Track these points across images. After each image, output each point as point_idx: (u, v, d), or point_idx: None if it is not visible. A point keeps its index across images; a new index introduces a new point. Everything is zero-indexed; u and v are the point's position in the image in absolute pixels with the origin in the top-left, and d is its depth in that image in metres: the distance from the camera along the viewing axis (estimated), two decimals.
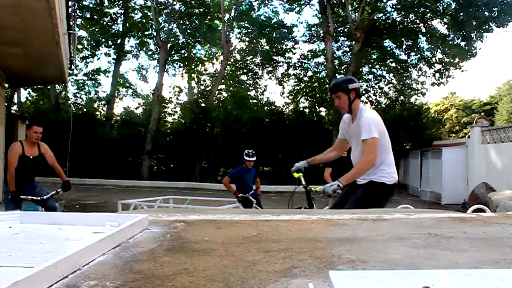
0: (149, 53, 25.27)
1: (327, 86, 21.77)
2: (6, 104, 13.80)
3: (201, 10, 23.02)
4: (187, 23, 23.38)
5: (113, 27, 24.02)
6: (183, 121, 23.23)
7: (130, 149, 21.75)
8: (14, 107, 23.63)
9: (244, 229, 1.96)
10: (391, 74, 23.09)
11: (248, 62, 24.99)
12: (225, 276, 1.21)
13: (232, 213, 2.63)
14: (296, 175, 3.79)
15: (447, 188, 14.83)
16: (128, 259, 1.39)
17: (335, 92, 3.23)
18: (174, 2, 23.10)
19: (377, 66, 23.49)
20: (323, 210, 3.34)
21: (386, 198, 3.30)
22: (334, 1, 22.31)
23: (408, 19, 21.57)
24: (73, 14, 8.88)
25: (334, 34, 22.20)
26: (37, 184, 5.04)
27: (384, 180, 3.20)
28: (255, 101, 24.82)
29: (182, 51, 24.42)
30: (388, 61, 22.60)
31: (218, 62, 25.18)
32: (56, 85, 21.89)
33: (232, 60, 24.45)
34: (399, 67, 22.59)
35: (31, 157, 4.87)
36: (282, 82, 25.00)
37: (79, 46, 21.75)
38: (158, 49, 23.59)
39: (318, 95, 23.08)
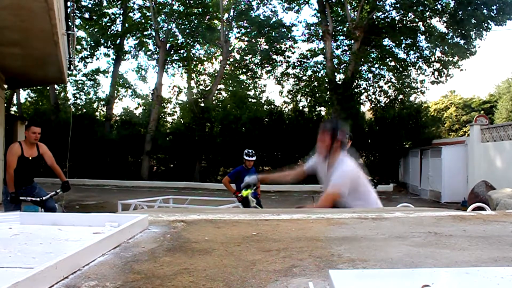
0: (148, 53, 25.34)
1: (326, 85, 21.80)
2: (5, 105, 13.80)
3: (200, 9, 23.02)
4: (186, 23, 23.38)
5: (112, 27, 24.04)
6: (182, 121, 23.25)
7: (130, 149, 21.75)
8: (14, 108, 23.65)
9: (244, 228, 1.96)
10: (391, 73, 23.12)
11: (247, 61, 24.99)
12: (225, 276, 1.21)
13: (232, 212, 2.63)
14: (244, 193, 3.58)
15: (446, 186, 14.85)
16: (128, 259, 1.39)
17: (321, 130, 3.07)
18: (173, 2, 23.10)
19: (376, 65, 23.53)
20: (320, 209, 3.32)
21: None
22: (333, 0, 22.32)
23: (407, 17, 21.59)
24: (72, 14, 8.88)
25: (333, 33, 22.21)
26: (37, 185, 5.04)
27: None
28: (254, 100, 24.84)
29: (181, 51, 24.42)
30: (387, 60, 22.63)
31: (217, 62, 25.21)
32: (56, 86, 21.89)
33: (231, 59, 24.45)
34: (398, 66, 22.61)
35: (30, 158, 4.86)
36: (281, 81, 25.03)
37: (78, 47, 21.77)
38: (157, 49, 23.60)
39: (317, 94, 23.09)
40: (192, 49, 24.61)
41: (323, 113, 23.14)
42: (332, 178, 2.93)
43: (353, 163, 3.04)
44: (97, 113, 24.99)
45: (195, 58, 25.13)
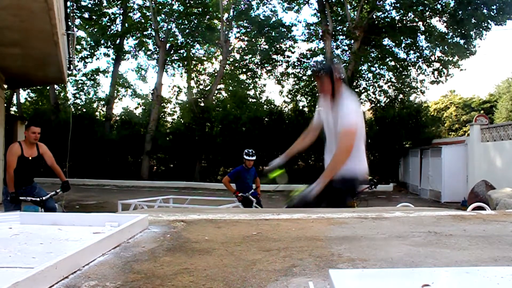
0: (148, 53, 25.31)
1: None
2: (5, 105, 13.80)
3: (200, 9, 23.02)
4: (186, 22, 23.37)
5: (112, 27, 24.02)
6: (182, 121, 23.23)
7: (130, 149, 21.74)
8: (14, 108, 23.64)
9: (244, 228, 1.96)
10: (391, 73, 23.11)
11: (247, 61, 24.99)
12: (225, 276, 1.21)
13: (232, 212, 2.63)
14: (274, 174, 3.34)
15: (446, 186, 14.84)
16: (128, 259, 1.39)
17: (317, 74, 3.08)
18: (173, 2, 23.10)
19: (376, 65, 23.51)
20: (319, 209, 3.30)
21: (356, 189, 3.18)
22: (333, 0, 22.31)
23: (407, 17, 21.59)
24: (71, 14, 8.88)
25: (333, 33, 22.21)
26: (37, 185, 5.04)
27: (357, 173, 3.01)
28: (254, 100, 24.84)
29: (181, 51, 24.41)
30: (387, 59, 22.62)
31: (217, 62, 25.20)
32: (55, 86, 21.89)
33: (231, 59, 24.44)
34: (398, 66, 22.59)
35: (30, 158, 4.86)
36: (281, 81, 25.03)
37: (78, 47, 21.75)
38: (157, 49, 23.59)
39: (317, 94, 23.02)
40: (192, 49, 24.61)
41: None
42: (342, 114, 2.90)
43: (357, 103, 3.05)
44: (97, 113, 24.99)
45: (195, 58, 25.13)
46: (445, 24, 20.85)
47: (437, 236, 1.76)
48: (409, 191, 18.38)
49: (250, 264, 1.33)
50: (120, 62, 24.34)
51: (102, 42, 23.55)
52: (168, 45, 23.43)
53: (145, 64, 34.63)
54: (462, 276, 1.00)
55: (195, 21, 23.09)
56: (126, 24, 23.66)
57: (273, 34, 23.32)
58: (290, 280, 1.17)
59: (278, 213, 2.42)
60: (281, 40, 23.81)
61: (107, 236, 1.51)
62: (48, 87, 22.17)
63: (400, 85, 22.81)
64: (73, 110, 22.89)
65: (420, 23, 21.44)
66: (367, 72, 23.66)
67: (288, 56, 24.47)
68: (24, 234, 1.78)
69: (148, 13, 23.23)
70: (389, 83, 23.35)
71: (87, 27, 23.33)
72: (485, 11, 19.28)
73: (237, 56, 25.04)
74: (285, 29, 23.56)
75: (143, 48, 24.98)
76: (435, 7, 19.94)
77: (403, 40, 21.89)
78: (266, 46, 24.05)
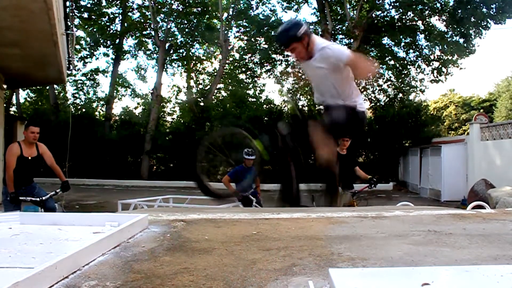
0: (148, 52, 25.25)
1: None
2: (5, 105, 13.78)
3: (199, 9, 23.01)
4: (186, 22, 23.36)
5: (111, 27, 23.99)
6: (182, 121, 23.22)
7: (130, 149, 21.72)
8: (13, 108, 23.62)
9: (244, 227, 1.96)
10: (390, 72, 23.10)
11: (247, 60, 24.98)
12: (225, 275, 1.21)
13: (232, 212, 2.63)
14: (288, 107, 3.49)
15: (446, 185, 14.84)
16: (128, 258, 1.39)
17: (288, 46, 2.94)
18: (172, 2, 23.08)
19: (376, 64, 23.48)
20: (319, 208, 3.31)
21: (358, 121, 3.19)
22: None
23: (407, 16, 21.58)
24: (71, 14, 8.87)
25: (333, 32, 22.19)
26: (36, 185, 5.03)
27: (357, 107, 3.06)
28: (254, 99, 24.82)
29: (181, 50, 24.39)
30: (387, 58, 22.60)
31: (216, 61, 25.19)
32: (55, 86, 21.87)
33: (230, 59, 24.44)
34: (397, 65, 22.59)
35: (30, 158, 4.85)
36: (281, 80, 25.02)
37: (77, 47, 21.72)
38: (157, 49, 23.57)
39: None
40: (191, 48, 24.60)
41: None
42: (334, 54, 2.86)
43: (334, 43, 3.13)
44: (97, 113, 24.97)
45: (194, 58, 25.11)
46: (444, 23, 20.85)
47: (437, 235, 1.76)
48: (409, 190, 18.38)
49: (250, 264, 1.33)
50: (119, 62, 24.31)
51: (101, 42, 23.52)
52: (167, 44, 23.40)
53: (145, 64, 34.60)
54: (462, 275, 1.01)
55: (195, 21, 23.07)
56: (126, 24, 23.62)
57: (272, 33, 23.29)
58: (290, 279, 1.17)
59: (278, 213, 2.42)
60: None
61: (107, 236, 1.51)
62: (47, 87, 22.15)
63: (399, 84, 22.80)
64: (72, 110, 22.87)
65: (420, 22, 21.43)
66: None
67: (288, 55, 24.45)
68: (24, 234, 1.78)
69: (147, 13, 23.20)
70: (389, 82, 23.34)
71: (86, 27, 23.29)
72: (484, 10, 19.29)
73: (237, 56, 25.04)
74: None
75: (143, 48, 24.94)
76: (435, 6, 19.94)
77: (403, 39, 21.88)
78: (266, 46, 24.03)
